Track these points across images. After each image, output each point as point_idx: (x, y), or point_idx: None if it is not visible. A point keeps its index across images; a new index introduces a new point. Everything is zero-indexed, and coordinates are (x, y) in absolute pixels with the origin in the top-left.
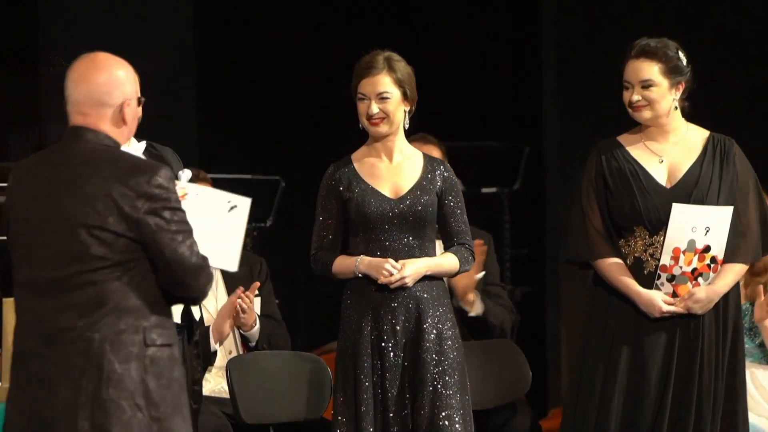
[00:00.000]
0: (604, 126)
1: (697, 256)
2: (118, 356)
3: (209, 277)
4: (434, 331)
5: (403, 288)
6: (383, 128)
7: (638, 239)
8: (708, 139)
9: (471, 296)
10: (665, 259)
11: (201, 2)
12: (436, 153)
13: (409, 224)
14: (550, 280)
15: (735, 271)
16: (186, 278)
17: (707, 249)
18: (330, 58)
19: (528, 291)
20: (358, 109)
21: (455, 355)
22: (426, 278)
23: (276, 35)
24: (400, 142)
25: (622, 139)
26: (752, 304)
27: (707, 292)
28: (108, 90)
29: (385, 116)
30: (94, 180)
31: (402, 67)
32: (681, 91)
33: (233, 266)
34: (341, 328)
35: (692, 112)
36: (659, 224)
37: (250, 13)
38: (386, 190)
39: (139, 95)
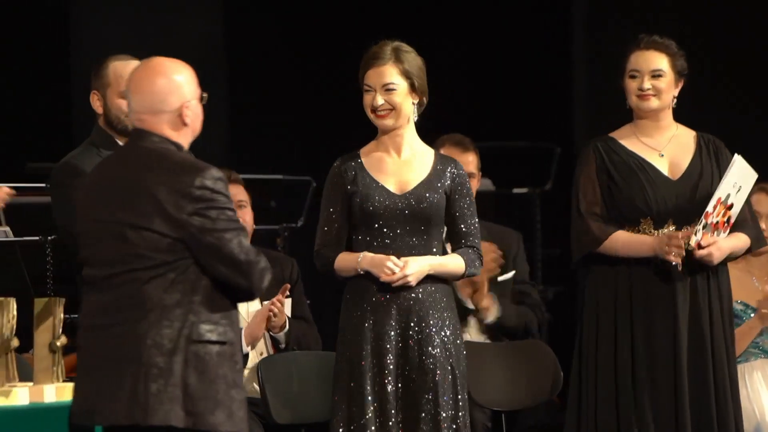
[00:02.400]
0: None
1: (724, 210)
2: (161, 350)
3: (262, 273)
4: (436, 338)
5: (403, 288)
6: (389, 121)
7: (643, 234)
8: (698, 136)
9: (485, 302)
10: (709, 207)
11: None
12: (471, 157)
13: (412, 221)
14: (582, 279)
15: (743, 240)
16: (233, 274)
17: (731, 207)
18: (361, 55)
19: (560, 291)
20: (364, 100)
21: (455, 361)
22: (429, 279)
23: (308, 32)
24: (409, 136)
25: (615, 135)
26: None
27: (726, 246)
28: (163, 98)
29: (392, 108)
30: (145, 182)
31: (411, 58)
32: (679, 89)
33: None
34: (340, 327)
35: (685, 113)
36: (666, 216)
37: (281, 9)
38: (391, 186)
39: (200, 93)
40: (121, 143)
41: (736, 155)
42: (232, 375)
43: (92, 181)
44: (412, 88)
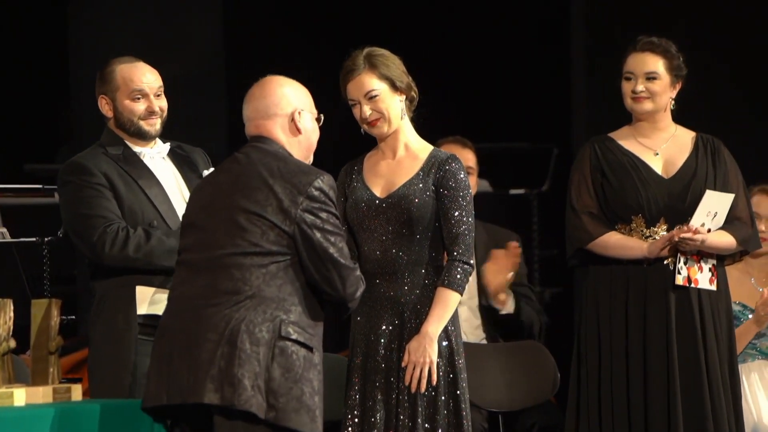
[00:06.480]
0: None
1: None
2: (251, 338)
3: (357, 281)
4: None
5: (399, 287)
6: (383, 128)
7: (634, 232)
8: (697, 137)
9: (502, 295)
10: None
11: (230, 4)
12: (470, 156)
13: (395, 223)
14: (579, 281)
15: (728, 239)
16: (333, 276)
17: (708, 232)
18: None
19: (557, 292)
20: (354, 115)
21: (452, 362)
22: (424, 277)
23: (309, 36)
24: (404, 137)
25: (614, 135)
26: None
27: (709, 238)
28: (275, 101)
29: (381, 115)
30: (260, 175)
31: (383, 59)
32: (677, 90)
33: None
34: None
35: (685, 114)
36: (658, 215)
37: (280, 13)
38: (378, 188)
39: (316, 113)
40: (131, 145)
41: (707, 191)
42: (317, 382)
43: (206, 180)
44: (394, 87)
